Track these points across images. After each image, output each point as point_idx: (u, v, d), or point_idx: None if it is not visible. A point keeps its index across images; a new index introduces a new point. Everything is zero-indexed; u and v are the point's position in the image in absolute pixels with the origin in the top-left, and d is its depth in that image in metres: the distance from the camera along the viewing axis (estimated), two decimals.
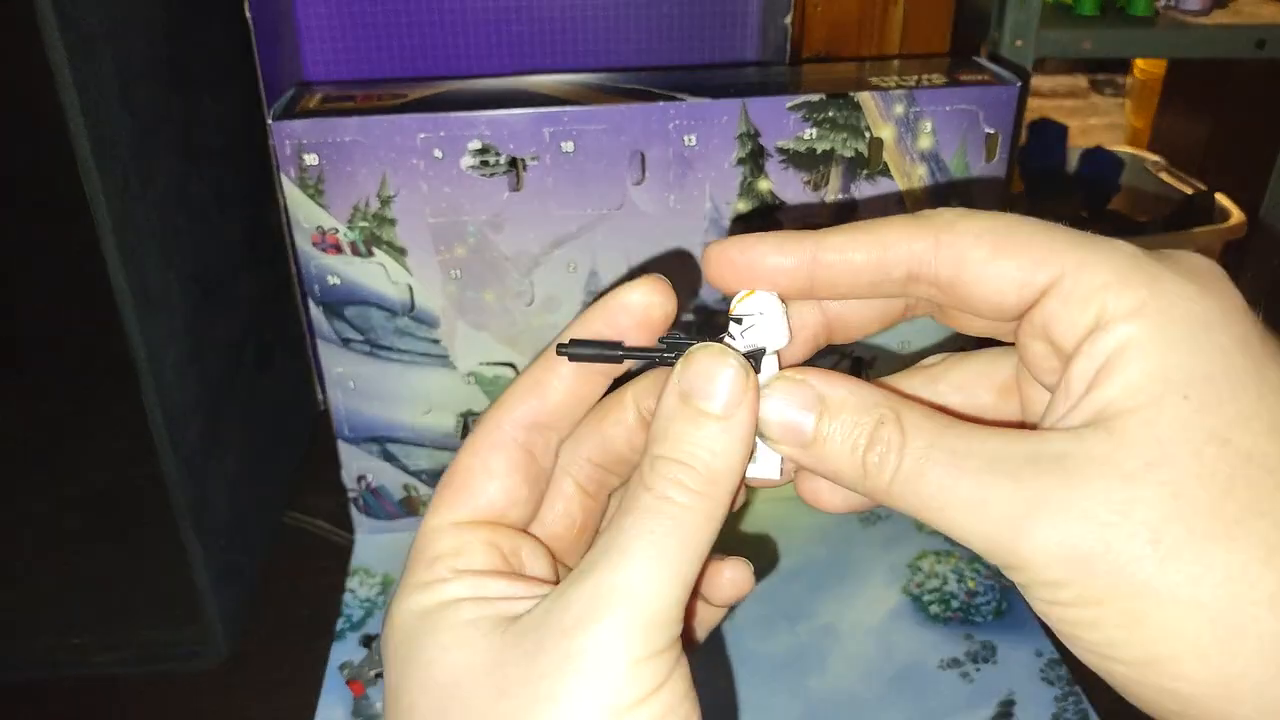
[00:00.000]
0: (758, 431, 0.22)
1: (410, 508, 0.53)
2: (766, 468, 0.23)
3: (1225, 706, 0.18)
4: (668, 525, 0.20)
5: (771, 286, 0.23)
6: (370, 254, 0.46)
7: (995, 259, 0.21)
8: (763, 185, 0.46)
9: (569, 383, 0.25)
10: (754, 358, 0.23)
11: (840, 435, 0.21)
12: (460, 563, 0.23)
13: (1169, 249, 0.20)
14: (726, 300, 0.24)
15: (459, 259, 0.46)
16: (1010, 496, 0.19)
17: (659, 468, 0.21)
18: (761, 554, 0.52)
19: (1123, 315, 0.19)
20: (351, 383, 0.49)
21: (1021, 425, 0.24)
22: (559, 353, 0.24)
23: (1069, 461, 0.19)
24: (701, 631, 0.27)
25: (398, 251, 0.46)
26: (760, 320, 0.23)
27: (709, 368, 0.21)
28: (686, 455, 0.21)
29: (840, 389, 0.22)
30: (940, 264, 0.21)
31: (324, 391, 0.51)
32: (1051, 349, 0.21)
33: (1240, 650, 0.17)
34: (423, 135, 0.43)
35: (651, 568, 0.20)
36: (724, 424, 0.21)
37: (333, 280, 0.46)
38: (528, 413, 0.25)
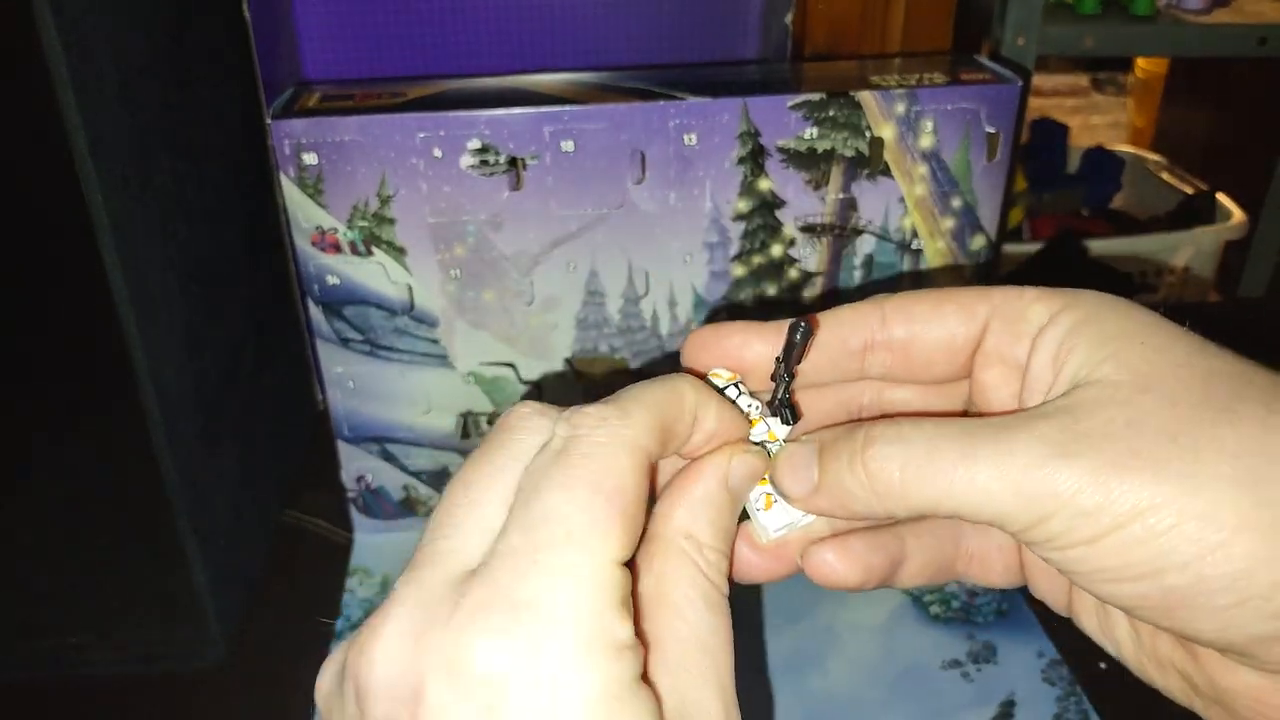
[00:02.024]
0: (780, 492, 0.24)
1: (409, 508, 0.53)
2: (795, 515, 0.25)
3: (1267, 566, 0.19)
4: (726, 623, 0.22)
5: (747, 371, 0.26)
6: (370, 253, 0.46)
7: (938, 308, 0.25)
8: (763, 184, 0.46)
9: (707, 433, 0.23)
10: (785, 408, 0.25)
11: (838, 457, 0.23)
12: (631, 623, 0.19)
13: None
14: None
15: (458, 258, 0.46)
16: (1029, 443, 0.20)
17: (718, 564, 0.22)
18: None
19: (1057, 312, 0.23)
20: (351, 382, 0.49)
21: None
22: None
23: (1070, 409, 0.21)
24: None
25: (397, 251, 0.46)
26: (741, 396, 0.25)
27: (754, 475, 0.24)
28: (727, 551, 0.23)
29: (830, 431, 0.24)
30: (892, 327, 0.25)
31: (323, 391, 0.51)
32: (1005, 370, 0.24)
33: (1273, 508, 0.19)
34: (422, 134, 0.43)
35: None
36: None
37: (332, 280, 0.46)
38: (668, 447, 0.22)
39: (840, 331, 0.25)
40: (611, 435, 0.20)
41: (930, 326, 0.25)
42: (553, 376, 0.50)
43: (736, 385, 0.25)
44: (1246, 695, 0.21)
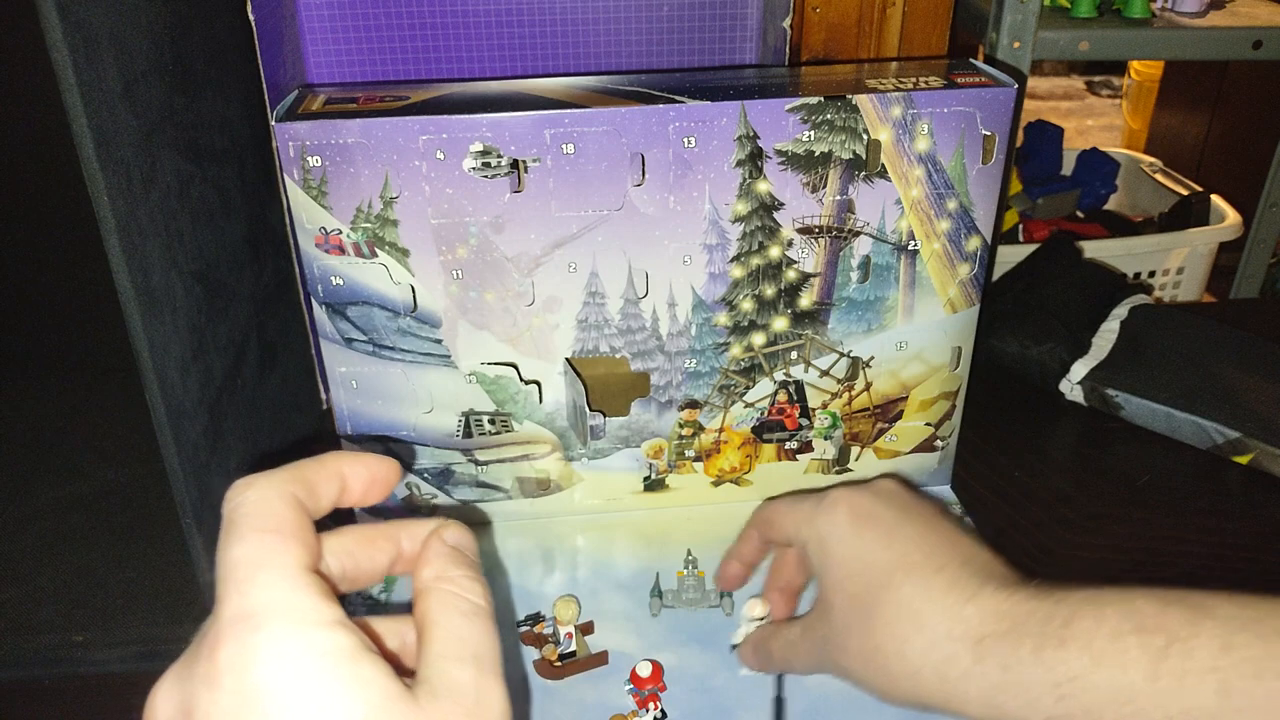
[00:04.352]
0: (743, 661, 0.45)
1: (412, 505, 0.54)
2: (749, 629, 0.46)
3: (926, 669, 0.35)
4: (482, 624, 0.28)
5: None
6: (373, 255, 0.46)
7: (763, 543, 0.45)
8: (761, 187, 0.47)
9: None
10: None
11: (758, 654, 0.44)
12: (334, 607, 0.25)
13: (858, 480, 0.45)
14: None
15: (461, 260, 0.47)
16: (812, 644, 0.40)
17: (468, 585, 0.28)
18: None
19: (805, 541, 0.41)
20: (354, 382, 0.49)
21: None
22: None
23: (812, 626, 0.40)
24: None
25: (400, 252, 0.46)
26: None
27: (461, 533, 0.31)
28: (474, 575, 0.29)
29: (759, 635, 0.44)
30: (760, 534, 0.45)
31: (327, 391, 0.51)
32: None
33: (925, 625, 0.35)
34: (425, 137, 0.44)
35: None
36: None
37: (336, 281, 0.47)
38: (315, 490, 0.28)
39: (749, 547, 0.46)
40: (259, 491, 0.26)
41: (772, 543, 0.45)
42: (553, 376, 0.51)
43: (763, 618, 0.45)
44: None
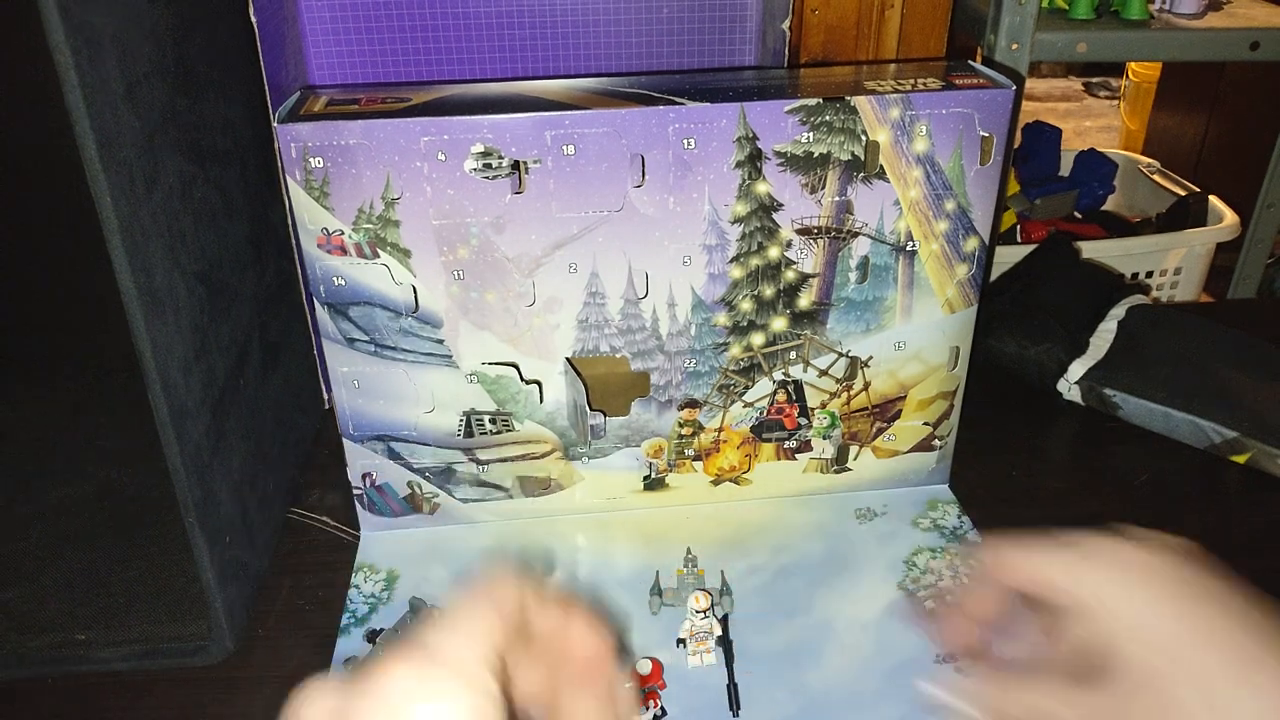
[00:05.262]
0: None
1: (414, 505, 0.54)
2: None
3: None
4: None
5: None
6: (375, 255, 0.46)
7: (1012, 583, 0.37)
8: (760, 188, 0.47)
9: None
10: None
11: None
12: (495, 682, 0.26)
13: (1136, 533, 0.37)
14: None
15: (462, 260, 0.47)
16: (1078, 714, 0.34)
17: None
18: (760, 549, 0.53)
19: (1080, 596, 0.35)
20: (356, 382, 0.50)
21: None
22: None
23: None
24: None
25: (402, 253, 0.46)
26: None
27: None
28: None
29: None
30: None
31: (329, 390, 0.51)
32: None
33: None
34: (426, 139, 0.44)
35: None
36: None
37: (338, 281, 0.47)
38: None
39: (988, 605, 0.38)
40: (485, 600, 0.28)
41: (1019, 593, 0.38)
42: (554, 376, 0.51)
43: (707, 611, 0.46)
44: None
